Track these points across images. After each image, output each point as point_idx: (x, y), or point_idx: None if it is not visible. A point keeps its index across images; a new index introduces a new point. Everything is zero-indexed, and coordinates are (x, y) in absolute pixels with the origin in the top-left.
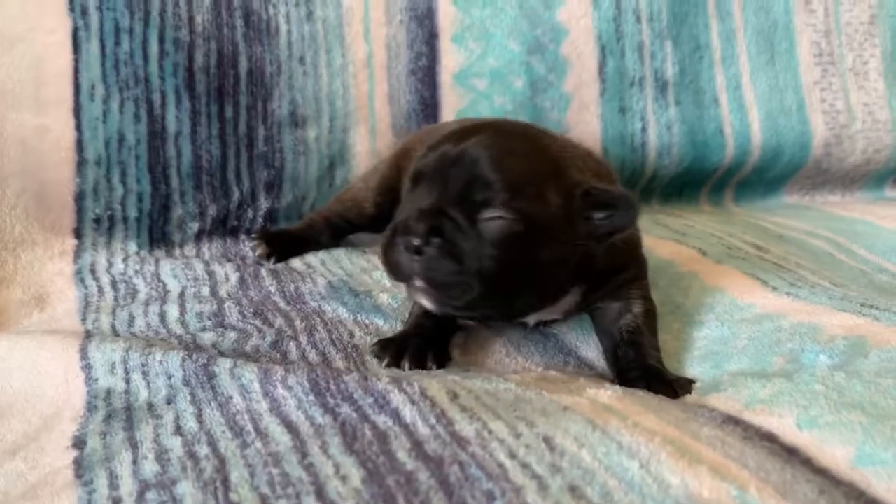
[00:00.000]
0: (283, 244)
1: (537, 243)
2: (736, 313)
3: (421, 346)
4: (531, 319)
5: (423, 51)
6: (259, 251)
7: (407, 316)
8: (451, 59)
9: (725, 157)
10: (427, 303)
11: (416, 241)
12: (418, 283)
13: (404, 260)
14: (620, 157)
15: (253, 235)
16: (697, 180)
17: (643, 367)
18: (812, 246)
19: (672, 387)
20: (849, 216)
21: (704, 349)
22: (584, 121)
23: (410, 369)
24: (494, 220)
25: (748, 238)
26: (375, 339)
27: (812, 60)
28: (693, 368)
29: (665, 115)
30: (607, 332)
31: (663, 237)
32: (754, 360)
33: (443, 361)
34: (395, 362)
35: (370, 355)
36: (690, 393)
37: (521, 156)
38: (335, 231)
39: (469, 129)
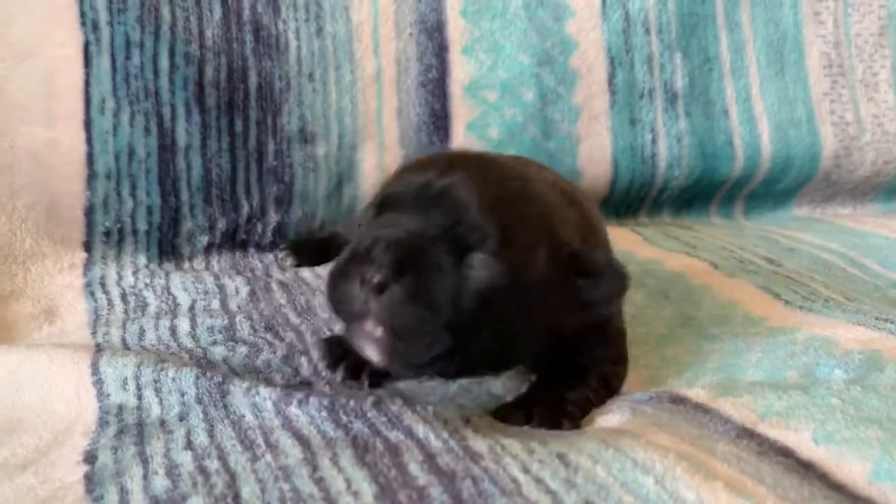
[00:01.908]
0: (311, 251)
1: (518, 303)
2: (749, 326)
3: None
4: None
5: (433, 63)
6: (289, 261)
7: None
8: (461, 71)
9: (735, 169)
10: (373, 354)
11: (380, 276)
12: (370, 327)
13: (359, 295)
14: (630, 169)
15: (282, 247)
16: (707, 192)
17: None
18: (824, 259)
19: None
20: (861, 229)
21: (718, 361)
22: (593, 132)
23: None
24: (482, 268)
25: (760, 251)
26: None
27: (822, 72)
28: (706, 380)
29: (675, 126)
30: None
31: (674, 249)
32: (769, 373)
33: None
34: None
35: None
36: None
37: (515, 203)
38: None
39: (456, 160)
